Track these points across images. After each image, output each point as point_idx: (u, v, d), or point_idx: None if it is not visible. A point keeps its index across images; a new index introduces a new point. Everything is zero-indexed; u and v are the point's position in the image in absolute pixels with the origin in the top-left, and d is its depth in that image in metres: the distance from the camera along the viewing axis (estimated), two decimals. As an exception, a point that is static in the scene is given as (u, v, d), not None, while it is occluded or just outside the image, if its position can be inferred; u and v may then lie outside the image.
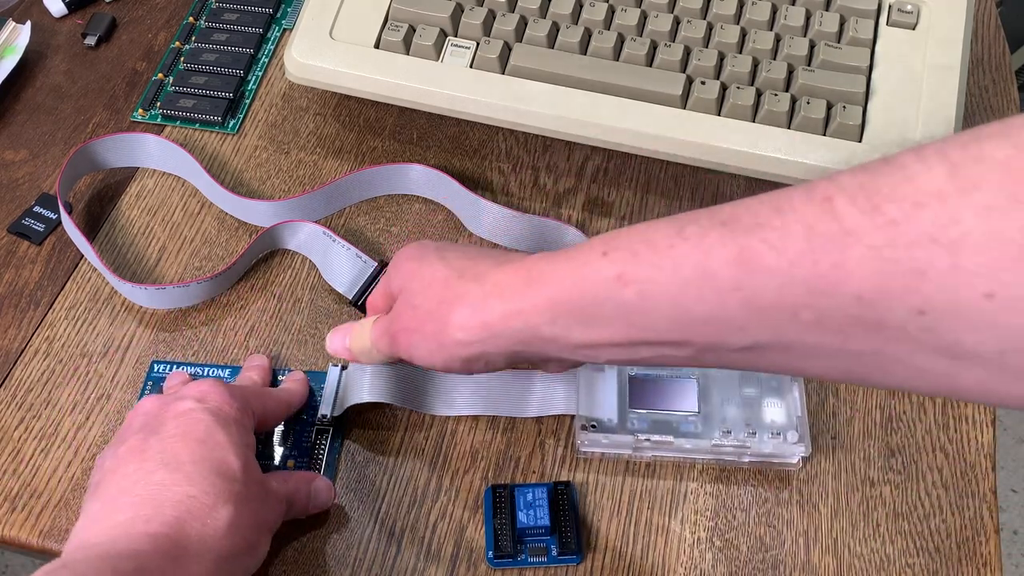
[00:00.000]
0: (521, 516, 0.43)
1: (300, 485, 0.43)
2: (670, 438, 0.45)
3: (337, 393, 0.47)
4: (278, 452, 0.46)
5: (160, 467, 0.38)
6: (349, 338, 0.44)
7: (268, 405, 0.44)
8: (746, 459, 0.46)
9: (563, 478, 0.46)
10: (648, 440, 0.45)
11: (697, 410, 0.46)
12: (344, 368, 0.48)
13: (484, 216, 0.53)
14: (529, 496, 0.44)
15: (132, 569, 0.34)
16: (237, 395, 0.42)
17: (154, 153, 0.56)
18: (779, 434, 0.45)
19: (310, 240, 0.52)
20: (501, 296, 0.36)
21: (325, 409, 0.46)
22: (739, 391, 0.46)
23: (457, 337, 0.36)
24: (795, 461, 0.46)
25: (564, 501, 0.44)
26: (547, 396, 0.47)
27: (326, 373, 0.48)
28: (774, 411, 0.45)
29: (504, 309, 0.35)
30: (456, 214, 0.55)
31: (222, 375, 0.48)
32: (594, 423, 0.45)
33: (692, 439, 0.45)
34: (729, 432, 0.45)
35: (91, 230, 0.54)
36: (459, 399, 0.47)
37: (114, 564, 0.34)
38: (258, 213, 0.54)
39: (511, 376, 0.47)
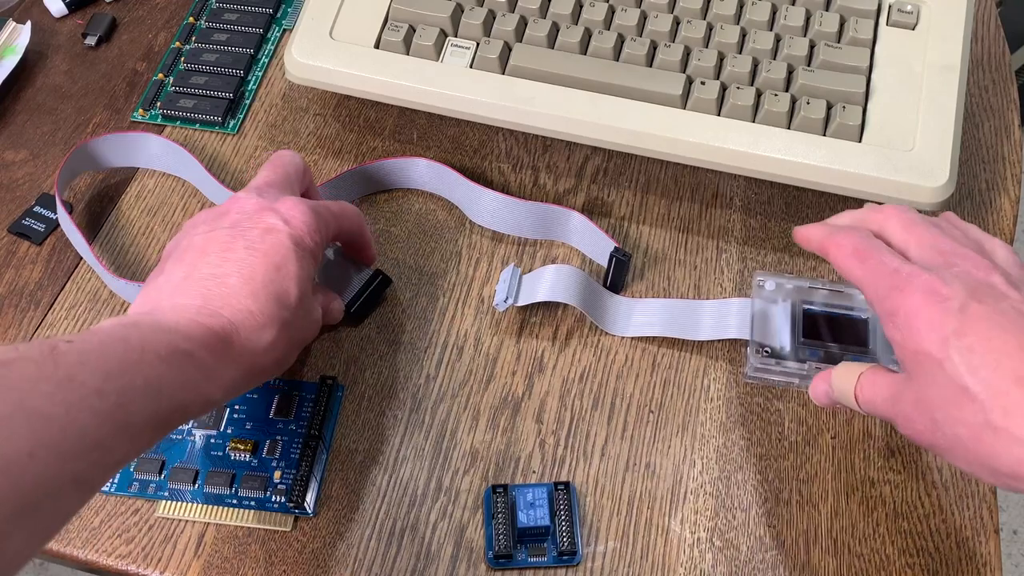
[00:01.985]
0: (521, 516, 0.43)
1: (325, 304, 0.48)
2: None
3: (513, 287, 0.50)
4: (267, 462, 0.46)
5: (235, 273, 0.41)
6: (833, 388, 0.42)
7: (343, 227, 0.47)
8: None
9: (563, 478, 0.46)
10: (819, 370, 0.46)
11: (868, 347, 0.47)
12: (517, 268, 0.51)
13: (485, 205, 0.53)
14: (529, 496, 0.44)
15: (184, 350, 0.37)
16: (321, 224, 0.44)
17: (155, 153, 0.56)
18: None
19: None
20: None
21: (502, 296, 0.49)
22: None
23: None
24: None
25: (564, 501, 0.44)
26: (721, 321, 0.49)
27: (315, 384, 0.48)
28: None
29: None
30: (458, 206, 0.55)
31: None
32: (768, 349, 0.47)
33: None
34: (898, 370, 0.46)
35: (91, 230, 0.54)
36: (637, 320, 0.50)
37: (172, 339, 0.37)
38: None
39: (686, 302, 0.51)
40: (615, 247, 0.50)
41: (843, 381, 0.41)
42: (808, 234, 0.43)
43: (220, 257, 0.41)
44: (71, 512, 0.33)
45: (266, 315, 0.40)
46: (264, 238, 0.42)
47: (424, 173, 0.55)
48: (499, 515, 0.44)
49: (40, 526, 0.31)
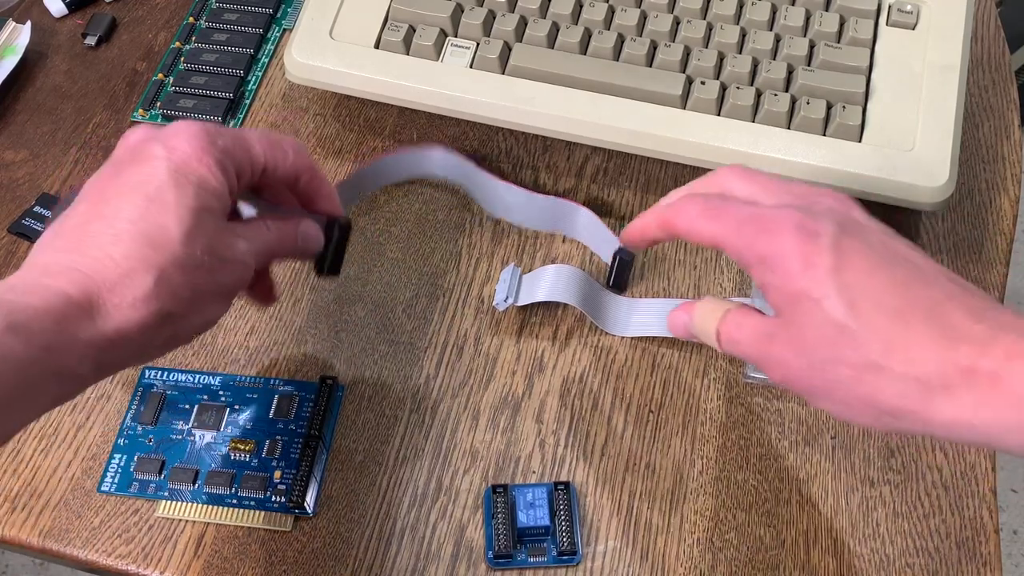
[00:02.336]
0: (521, 516, 0.43)
1: (281, 235, 0.40)
2: None
3: (513, 286, 0.49)
4: (267, 462, 0.46)
5: (99, 218, 0.35)
6: (693, 321, 0.39)
7: (277, 162, 0.40)
8: None
9: (563, 478, 0.46)
10: None
11: None
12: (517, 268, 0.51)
13: (500, 197, 0.53)
14: (529, 496, 0.44)
15: (13, 325, 0.31)
16: (216, 148, 0.37)
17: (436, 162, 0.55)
18: None
19: None
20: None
21: (502, 296, 0.49)
22: None
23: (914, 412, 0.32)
24: None
25: (564, 501, 0.44)
26: None
27: (315, 383, 0.48)
28: None
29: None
30: (471, 195, 0.55)
31: (212, 383, 0.48)
32: None
33: None
34: None
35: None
36: (637, 320, 0.50)
37: (13, 289, 0.33)
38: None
39: (685, 301, 0.49)
40: (619, 246, 0.50)
41: (706, 316, 0.38)
42: (640, 224, 0.41)
43: (91, 202, 0.36)
44: None
45: (133, 259, 0.34)
46: (137, 169, 0.36)
47: (439, 162, 0.55)
48: (499, 515, 0.44)
49: None
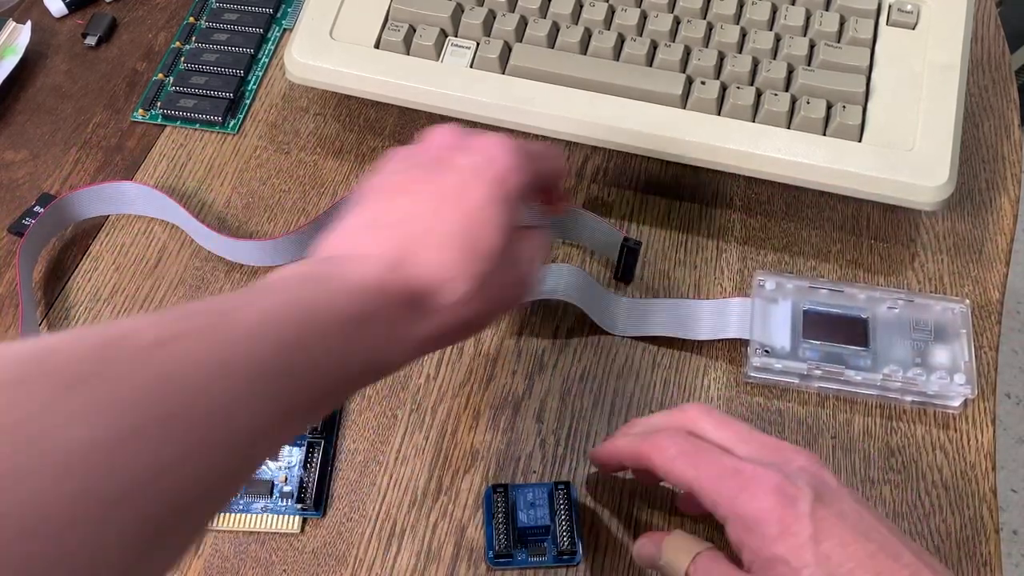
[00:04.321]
0: (521, 516, 0.43)
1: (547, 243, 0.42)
2: (841, 368, 0.47)
3: None
4: (271, 466, 0.46)
5: (425, 220, 0.36)
6: (661, 557, 0.39)
7: (543, 171, 0.41)
8: (909, 398, 0.48)
9: (563, 478, 0.46)
10: (819, 369, 0.47)
11: (867, 346, 0.47)
12: None
13: None
14: (529, 496, 0.44)
15: (368, 312, 0.33)
16: (525, 163, 0.38)
17: (133, 200, 0.55)
18: (945, 376, 0.47)
19: None
20: None
21: None
22: (909, 333, 0.48)
23: None
24: (957, 404, 0.47)
25: (564, 501, 0.44)
26: (721, 321, 0.49)
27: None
28: (941, 355, 0.48)
29: None
30: None
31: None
32: (768, 348, 0.47)
33: (862, 372, 0.47)
34: (899, 369, 0.47)
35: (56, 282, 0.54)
36: (637, 320, 0.50)
37: (358, 299, 0.33)
38: (246, 253, 0.52)
39: (686, 302, 0.51)
40: (624, 237, 0.50)
41: (676, 556, 0.38)
42: (612, 449, 0.41)
43: (409, 201, 0.37)
44: (206, 522, 0.29)
45: (457, 268, 0.35)
46: (458, 180, 0.37)
47: None
48: (499, 515, 0.44)
49: (181, 539, 0.27)
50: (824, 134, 0.51)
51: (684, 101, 0.52)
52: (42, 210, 0.54)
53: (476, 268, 0.36)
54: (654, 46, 0.53)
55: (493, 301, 0.37)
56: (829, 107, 0.51)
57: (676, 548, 0.38)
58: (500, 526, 0.43)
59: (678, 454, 0.38)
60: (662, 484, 0.46)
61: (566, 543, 0.43)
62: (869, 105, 0.51)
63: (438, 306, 0.35)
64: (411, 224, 0.36)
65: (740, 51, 0.53)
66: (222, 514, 0.44)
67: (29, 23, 0.62)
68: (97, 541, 0.23)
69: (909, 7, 0.53)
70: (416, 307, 0.35)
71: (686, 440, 0.38)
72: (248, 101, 0.60)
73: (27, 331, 0.50)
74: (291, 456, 0.46)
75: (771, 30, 0.54)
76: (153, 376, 0.25)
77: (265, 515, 0.44)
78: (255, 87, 0.60)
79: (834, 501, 0.35)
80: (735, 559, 0.36)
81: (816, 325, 0.48)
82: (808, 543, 0.34)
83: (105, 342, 0.26)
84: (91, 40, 0.63)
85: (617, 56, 0.53)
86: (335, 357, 0.32)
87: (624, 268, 0.51)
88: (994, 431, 0.47)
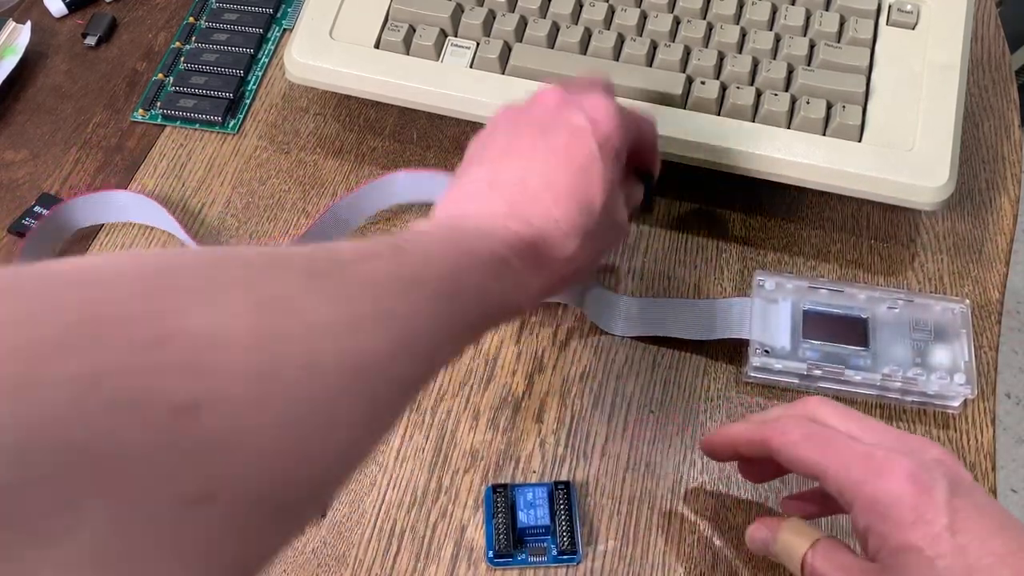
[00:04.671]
0: (521, 516, 0.43)
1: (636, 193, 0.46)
2: (841, 368, 0.47)
3: None
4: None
5: (539, 178, 0.39)
6: (777, 542, 0.38)
7: (642, 133, 0.44)
8: (909, 398, 0.48)
9: (563, 478, 0.46)
10: (819, 369, 0.47)
11: (867, 346, 0.47)
12: None
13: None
14: (529, 496, 0.44)
15: (502, 257, 0.36)
16: (625, 125, 0.41)
17: (127, 207, 0.55)
18: (945, 376, 0.47)
19: None
20: None
21: None
22: (909, 333, 0.48)
23: None
24: (957, 404, 0.47)
25: (564, 501, 0.44)
26: (721, 321, 0.49)
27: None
28: (941, 355, 0.47)
29: None
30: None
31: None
32: (768, 348, 0.47)
33: (862, 372, 0.47)
34: (899, 369, 0.47)
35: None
36: (637, 320, 0.50)
37: (490, 245, 0.36)
38: None
39: (686, 302, 0.51)
40: (634, 167, 0.46)
41: (793, 542, 0.37)
42: (729, 435, 0.41)
43: (524, 159, 0.39)
44: (397, 420, 0.33)
45: (570, 223, 0.38)
46: (568, 139, 0.39)
47: (408, 185, 0.54)
48: (499, 514, 0.44)
49: (376, 434, 0.30)
50: (824, 134, 0.51)
51: (684, 101, 0.51)
52: (45, 211, 0.54)
53: (586, 222, 0.39)
54: (654, 46, 0.53)
55: (596, 250, 0.41)
56: (829, 107, 0.51)
57: (794, 532, 0.37)
58: (500, 526, 0.43)
59: (802, 438, 0.36)
60: (662, 484, 0.46)
61: (566, 543, 0.43)
62: (869, 105, 0.51)
63: (552, 257, 0.38)
64: (525, 181, 0.38)
65: (740, 51, 0.53)
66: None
67: (29, 23, 0.62)
68: (347, 401, 0.27)
69: (909, 7, 0.53)
70: (535, 258, 0.37)
71: (811, 425, 0.37)
72: (248, 101, 0.60)
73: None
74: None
75: (771, 30, 0.54)
76: (364, 281, 0.29)
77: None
78: (255, 87, 0.60)
79: (970, 494, 0.34)
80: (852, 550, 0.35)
81: (816, 325, 0.48)
82: (944, 532, 0.32)
83: (312, 253, 0.29)
84: (91, 40, 0.63)
85: (617, 56, 0.53)
86: (484, 292, 0.35)
87: (645, 199, 0.49)
88: (994, 431, 0.47)
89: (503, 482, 0.45)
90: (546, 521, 0.43)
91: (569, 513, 0.44)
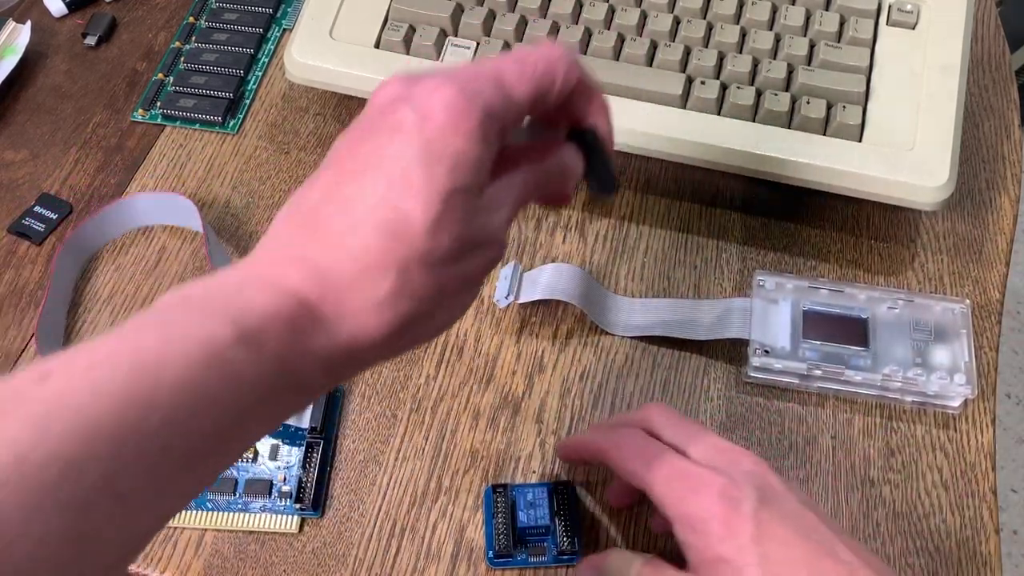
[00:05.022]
0: (521, 516, 0.43)
1: (539, 179, 0.34)
2: (841, 368, 0.47)
3: (514, 284, 0.50)
4: (270, 465, 0.46)
5: (337, 198, 0.30)
6: (604, 569, 0.40)
7: (540, 88, 0.32)
8: (909, 398, 0.48)
9: (563, 478, 0.46)
10: (819, 369, 0.47)
11: (867, 346, 0.48)
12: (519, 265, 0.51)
13: None
14: (529, 496, 0.44)
15: (242, 337, 0.27)
16: (473, 112, 0.30)
17: (145, 208, 0.54)
18: (945, 376, 0.47)
19: None
20: None
21: (503, 293, 0.49)
22: (909, 333, 0.48)
23: None
24: (957, 404, 0.47)
25: (564, 501, 0.44)
26: (721, 321, 0.49)
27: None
28: (941, 355, 0.48)
29: None
30: None
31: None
32: (767, 348, 0.47)
33: (862, 372, 0.47)
34: (899, 369, 0.47)
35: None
36: (637, 320, 0.50)
37: (230, 323, 0.27)
38: None
39: (686, 302, 0.51)
40: (572, 130, 0.35)
41: (619, 565, 0.39)
42: (575, 443, 0.43)
43: (332, 177, 0.31)
44: None
45: (372, 254, 0.29)
46: (385, 141, 0.30)
47: None
48: (499, 515, 0.44)
49: None
50: (824, 134, 0.51)
51: (684, 101, 0.51)
52: (45, 211, 0.54)
53: (398, 252, 0.29)
54: (654, 46, 0.53)
55: (432, 300, 0.30)
56: (829, 107, 0.51)
57: (618, 566, 0.39)
58: (500, 526, 0.43)
59: (632, 455, 0.39)
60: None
61: (566, 543, 0.43)
62: (869, 105, 0.51)
63: (349, 307, 0.29)
64: (326, 203, 0.30)
65: (740, 51, 0.53)
66: (221, 513, 0.44)
67: (29, 23, 0.62)
68: None
69: (909, 7, 0.53)
70: (322, 307, 0.29)
71: (642, 439, 0.39)
72: (248, 101, 0.60)
73: (43, 330, 0.50)
74: (290, 456, 0.46)
75: (771, 30, 0.54)
76: None
77: (264, 515, 0.44)
78: (255, 87, 0.60)
79: (778, 503, 0.36)
80: (683, 562, 0.37)
81: (816, 325, 0.48)
82: (749, 543, 0.34)
83: None
84: (91, 40, 0.63)
85: (617, 56, 0.53)
86: (184, 416, 0.26)
87: (599, 174, 0.36)
88: (994, 431, 0.47)
89: (503, 482, 0.45)
90: (546, 521, 0.43)
91: (569, 513, 0.44)
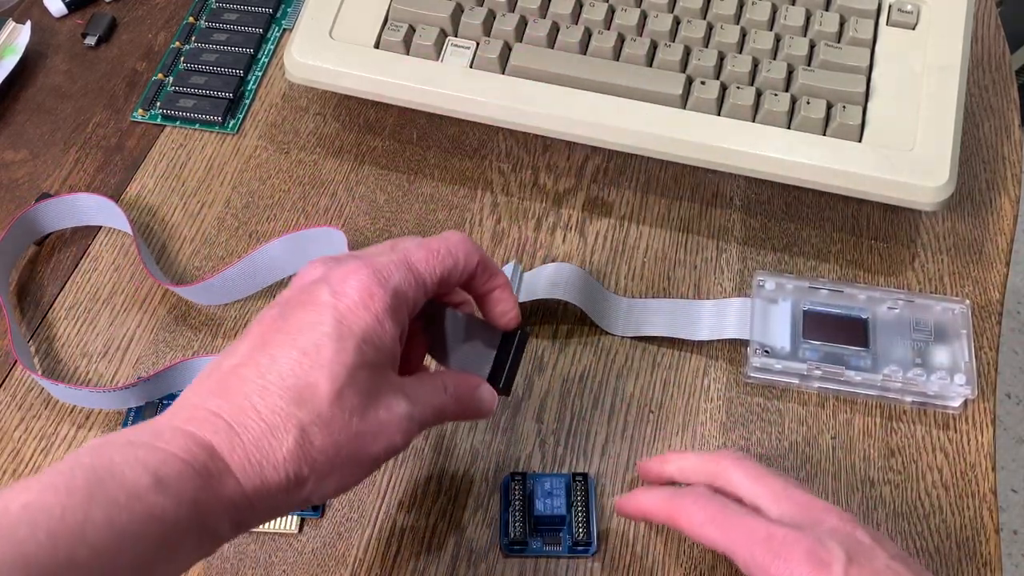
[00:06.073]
0: (539, 504, 0.43)
1: (458, 399, 0.38)
2: (841, 368, 0.47)
3: (514, 284, 0.49)
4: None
5: (253, 364, 0.33)
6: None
7: (445, 276, 0.37)
8: (909, 398, 0.48)
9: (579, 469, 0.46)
10: (819, 370, 0.47)
11: (867, 346, 0.48)
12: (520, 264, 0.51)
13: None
14: (547, 485, 0.44)
15: (165, 478, 0.30)
16: (383, 294, 0.34)
17: (93, 210, 0.54)
18: (945, 376, 0.47)
19: None
20: None
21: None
22: (909, 333, 0.48)
23: None
24: (957, 404, 0.47)
25: (581, 492, 0.44)
26: (721, 321, 0.49)
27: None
28: (942, 355, 0.48)
29: None
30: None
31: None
32: (768, 348, 0.47)
33: (862, 372, 0.47)
34: (899, 369, 0.47)
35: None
36: (637, 320, 0.50)
37: (154, 466, 0.30)
38: (191, 293, 0.51)
39: (686, 302, 0.51)
40: (506, 332, 0.40)
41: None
42: (640, 507, 0.42)
43: (252, 344, 0.34)
44: None
45: (278, 415, 0.32)
46: (300, 317, 0.34)
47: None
48: (516, 503, 0.44)
49: None
50: (824, 134, 0.51)
51: (684, 101, 0.51)
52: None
53: (298, 416, 0.32)
54: (654, 46, 0.53)
55: (325, 465, 0.33)
56: (829, 107, 0.51)
57: None
58: (516, 514, 0.43)
59: (706, 520, 0.38)
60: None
61: (582, 534, 0.43)
62: (869, 105, 0.51)
63: (254, 461, 0.32)
64: (243, 367, 0.33)
65: (740, 51, 0.53)
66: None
67: (29, 23, 0.62)
68: None
69: (909, 7, 0.53)
70: (231, 460, 0.32)
71: (713, 503, 0.38)
72: (248, 101, 0.60)
73: (15, 337, 0.50)
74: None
75: (771, 30, 0.54)
76: None
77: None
78: (255, 87, 0.60)
79: (868, 560, 0.35)
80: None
81: (816, 325, 0.48)
82: None
83: None
84: (91, 40, 0.63)
85: (617, 56, 0.53)
86: (153, 514, 0.29)
87: (509, 368, 0.40)
88: (994, 431, 0.47)
89: (521, 471, 0.45)
90: (562, 511, 0.43)
91: (586, 504, 0.44)
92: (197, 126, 0.59)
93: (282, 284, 0.52)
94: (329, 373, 0.33)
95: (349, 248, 0.48)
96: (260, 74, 0.61)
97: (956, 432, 0.47)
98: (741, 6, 0.54)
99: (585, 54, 0.53)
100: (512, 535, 0.43)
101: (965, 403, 0.48)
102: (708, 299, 0.51)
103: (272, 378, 0.33)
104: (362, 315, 0.34)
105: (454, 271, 0.38)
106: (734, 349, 0.50)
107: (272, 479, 0.32)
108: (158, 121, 0.59)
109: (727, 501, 0.38)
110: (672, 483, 0.43)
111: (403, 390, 0.36)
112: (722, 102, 0.51)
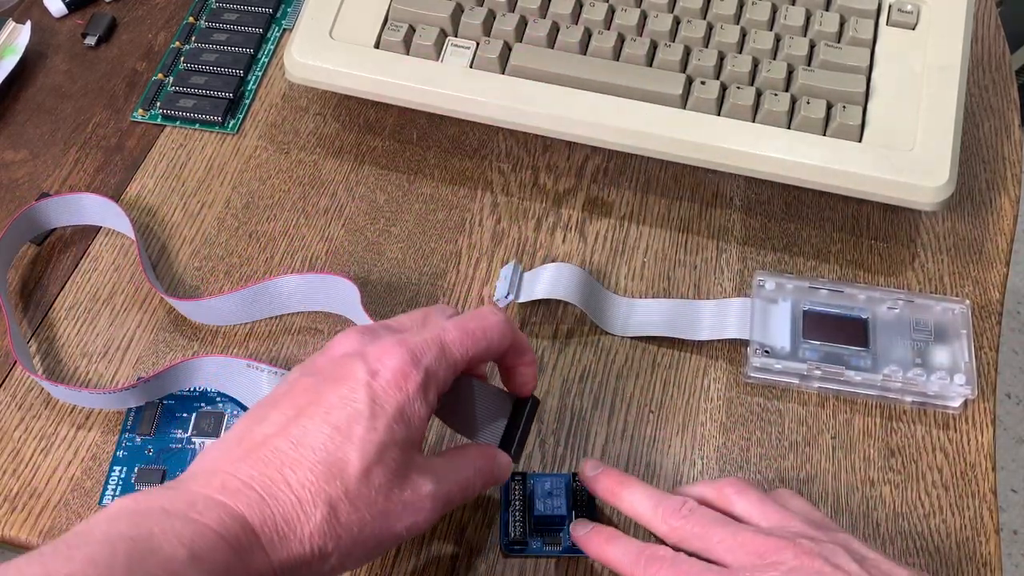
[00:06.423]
0: (539, 504, 0.43)
1: (481, 471, 0.39)
2: (841, 368, 0.47)
3: (514, 284, 0.50)
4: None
5: (286, 435, 0.34)
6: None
7: (479, 355, 0.38)
8: (909, 398, 0.48)
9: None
10: (819, 370, 0.47)
11: (867, 346, 0.48)
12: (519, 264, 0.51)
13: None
14: (547, 485, 0.44)
15: (199, 552, 0.31)
16: (417, 374, 0.35)
17: (97, 211, 0.54)
18: (945, 376, 0.47)
19: None
20: None
21: (503, 292, 0.49)
22: (909, 333, 0.48)
23: None
24: (957, 405, 0.47)
25: (582, 492, 0.44)
26: (721, 321, 0.49)
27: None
28: (942, 355, 0.48)
29: None
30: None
31: (209, 390, 0.48)
32: (768, 348, 0.47)
33: (862, 372, 0.47)
34: (899, 369, 0.47)
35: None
36: (637, 320, 0.50)
37: (189, 540, 0.31)
38: (189, 309, 0.51)
39: (686, 302, 0.51)
40: (517, 398, 0.42)
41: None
42: (608, 557, 0.39)
43: (285, 413, 0.35)
44: None
45: (308, 490, 0.33)
46: (335, 392, 0.35)
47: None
48: (515, 502, 0.44)
49: None
50: (824, 134, 0.51)
51: (684, 101, 0.52)
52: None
53: (329, 491, 0.33)
54: (654, 46, 0.53)
55: (351, 540, 0.34)
56: (829, 107, 0.51)
57: None
58: (516, 513, 0.43)
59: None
60: (662, 485, 0.46)
61: None
62: (869, 105, 0.51)
63: (283, 534, 0.33)
64: (276, 437, 0.34)
65: (740, 51, 0.53)
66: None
67: (29, 23, 0.62)
68: None
69: (909, 7, 0.53)
70: (262, 533, 0.32)
71: (692, 571, 0.37)
72: (248, 101, 0.60)
73: (15, 337, 0.50)
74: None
75: (771, 30, 0.54)
76: None
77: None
78: (255, 87, 0.60)
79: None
80: None
81: (816, 325, 0.48)
82: None
83: None
84: (91, 40, 0.63)
85: (617, 56, 0.53)
86: None
87: (519, 435, 0.41)
88: (994, 431, 0.47)
89: (522, 470, 0.45)
90: (563, 511, 0.43)
91: (587, 505, 0.44)
92: (197, 126, 0.59)
93: (278, 320, 0.51)
94: (360, 450, 0.34)
95: (361, 301, 0.48)
96: (260, 74, 0.61)
97: (956, 432, 0.47)
98: (741, 6, 0.54)
99: (585, 54, 0.53)
100: (512, 535, 0.43)
101: (965, 403, 0.48)
102: (708, 299, 0.51)
103: (304, 451, 0.34)
104: (395, 395, 0.35)
105: (486, 353, 0.39)
106: (734, 349, 0.50)
107: (297, 552, 0.33)
108: (158, 121, 0.59)
109: (704, 566, 0.37)
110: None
111: (430, 469, 0.36)
112: (722, 102, 0.51)
